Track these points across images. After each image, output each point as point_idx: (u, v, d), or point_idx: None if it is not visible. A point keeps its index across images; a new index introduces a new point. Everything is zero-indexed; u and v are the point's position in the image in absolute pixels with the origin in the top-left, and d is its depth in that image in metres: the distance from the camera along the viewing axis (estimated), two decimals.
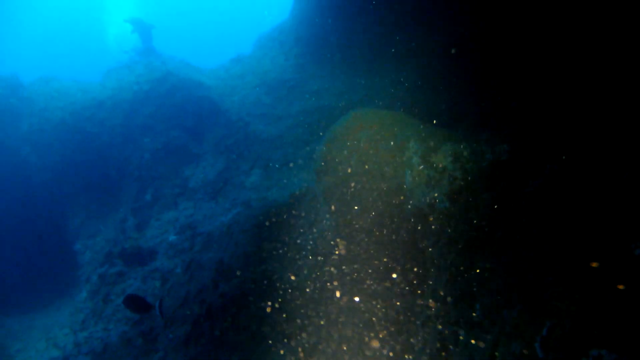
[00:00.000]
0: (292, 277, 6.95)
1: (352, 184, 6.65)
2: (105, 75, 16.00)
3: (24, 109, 14.53)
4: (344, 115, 7.35)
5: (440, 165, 5.28)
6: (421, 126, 6.25)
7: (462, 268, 4.66)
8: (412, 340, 5.00)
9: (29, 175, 15.28)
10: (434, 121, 7.80)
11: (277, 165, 12.85)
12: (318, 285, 6.50)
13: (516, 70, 7.34)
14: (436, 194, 5.21)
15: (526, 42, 7.19)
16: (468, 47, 9.15)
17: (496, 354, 3.74)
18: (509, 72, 7.42)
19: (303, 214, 8.30)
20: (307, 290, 6.64)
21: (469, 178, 4.94)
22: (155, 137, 14.94)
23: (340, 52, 13.42)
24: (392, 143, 6.12)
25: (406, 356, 5.03)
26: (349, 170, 6.79)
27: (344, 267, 6.15)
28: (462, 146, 5.23)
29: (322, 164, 7.47)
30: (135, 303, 7.00)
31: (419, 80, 10.92)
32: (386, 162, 6.13)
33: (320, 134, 12.24)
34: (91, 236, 14.10)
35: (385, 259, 5.60)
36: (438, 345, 4.54)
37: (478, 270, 4.45)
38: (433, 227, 5.18)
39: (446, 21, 10.04)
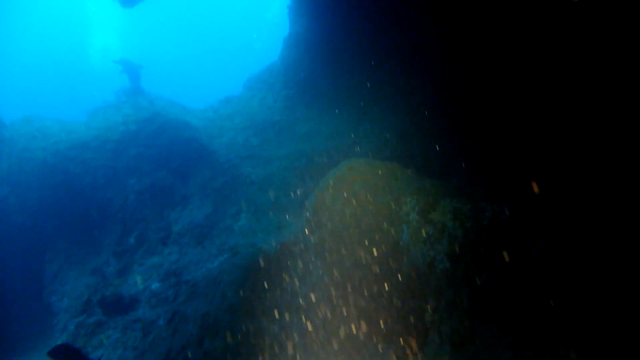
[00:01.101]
0: (283, 337, 6.58)
1: (346, 238, 6.41)
2: (91, 115, 15.77)
3: (4, 149, 14.13)
4: (337, 166, 7.20)
5: (439, 223, 5.09)
6: (416, 179, 6.10)
7: (465, 335, 4.39)
8: None
9: (7, 217, 14.72)
10: (428, 171, 7.68)
11: (265, 209, 12.57)
12: (307, 345, 6.14)
13: (510, 118, 7.33)
14: (436, 253, 4.99)
15: (520, 85, 7.21)
16: (457, 93, 9.20)
17: None
18: (502, 121, 7.41)
19: (293, 266, 7.99)
20: (295, 351, 6.26)
21: (470, 237, 4.75)
22: (141, 178, 14.59)
23: (329, 95, 13.46)
24: (388, 197, 5.94)
25: None
26: (342, 223, 6.56)
27: (335, 331, 5.82)
28: (460, 202, 5.07)
29: (314, 215, 7.25)
30: (65, 355, 6.55)
31: (408, 125, 10.92)
32: (382, 216, 5.93)
33: (310, 177, 12.08)
34: (69, 282, 13.47)
35: (381, 323, 5.30)
36: None
37: (483, 339, 4.20)
38: (433, 288, 4.93)
39: (434, 67, 10.15)
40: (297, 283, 7.54)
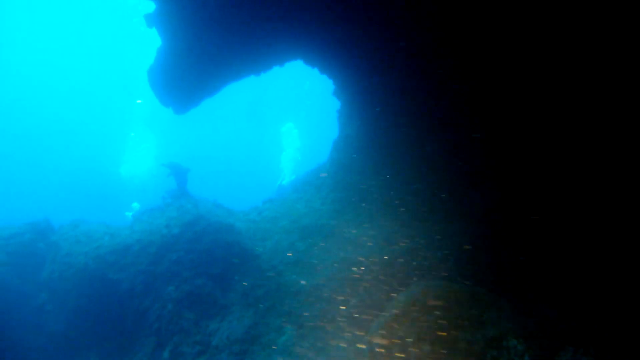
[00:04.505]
0: None
1: None
2: (136, 218, 15.64)
3: (49, 254, 13.95)
4: (407, 289, 6.22)
5: None
6: (517, 311, 5.03)
7: None
8: None
9: (42, 324, 14.11)
10: (529, 297, 6.56)
11: (313, 324, 11.39)
12: None
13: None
14: None
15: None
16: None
17: None
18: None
19: None
20: None
21: None
22: (180, 285, 13.85)
23: (379, 199, 12.81)
24: (480, 334, 4.85)
25: None
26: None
27: None
28: (590, 355, 3.94)
29: (382, 345, 6.13)
30: None
31: (470, 236, 9.97)
32: (475, 357, 4.79)
33: (364, 290, 10.99)
34: None
35: None
36: None
37: None
38: None
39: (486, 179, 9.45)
40: None
